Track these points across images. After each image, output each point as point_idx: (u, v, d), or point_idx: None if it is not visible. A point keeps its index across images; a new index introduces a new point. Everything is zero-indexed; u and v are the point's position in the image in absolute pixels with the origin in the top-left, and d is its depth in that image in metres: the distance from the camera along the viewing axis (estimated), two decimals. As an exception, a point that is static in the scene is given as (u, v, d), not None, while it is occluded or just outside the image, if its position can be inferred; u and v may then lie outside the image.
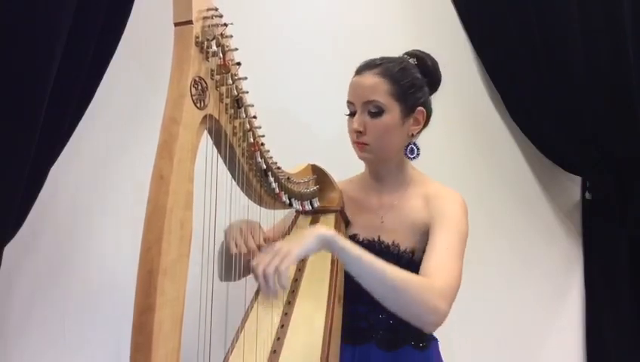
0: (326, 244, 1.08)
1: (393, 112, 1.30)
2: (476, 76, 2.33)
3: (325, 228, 1.10)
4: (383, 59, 1.34)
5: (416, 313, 1.11)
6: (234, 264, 1.19)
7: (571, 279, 2.52)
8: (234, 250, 1.22)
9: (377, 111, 1.29)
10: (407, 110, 1.32)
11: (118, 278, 1.57)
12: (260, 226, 1.27)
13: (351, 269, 1.11)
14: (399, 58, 1.37)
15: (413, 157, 1.36)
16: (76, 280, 1.56)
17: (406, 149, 1.36)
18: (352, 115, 1.34)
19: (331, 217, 1.43)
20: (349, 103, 1.35)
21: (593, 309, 2.50)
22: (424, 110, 1.35)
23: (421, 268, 1.19)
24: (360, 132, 1.31)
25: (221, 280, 1.29)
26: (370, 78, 1.30)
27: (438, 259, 1.19)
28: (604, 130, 2.29)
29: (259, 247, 1.21)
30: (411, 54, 1.39)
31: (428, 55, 1.40)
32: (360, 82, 1.32)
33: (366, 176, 1.46)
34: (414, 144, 1.36)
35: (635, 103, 2.26)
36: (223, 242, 1.30)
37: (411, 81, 1.32)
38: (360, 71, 1.34)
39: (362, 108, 1.31)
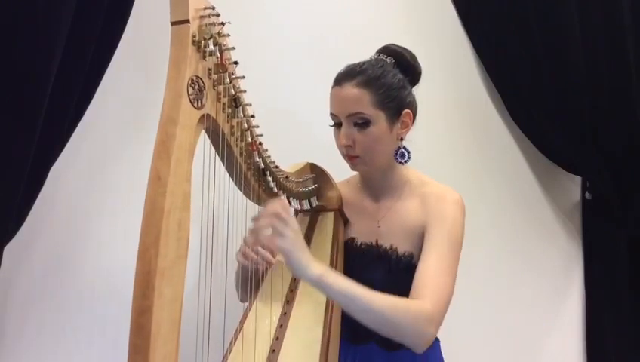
0: (311, 282, 1.08)
1: (380, 121, 1.26)
2: (476, 76, 2.32)
3: (316, 266, 1.08)
4: (361, 65, 1.29)
5: (405, 337, 1.14)
6: (250, 282, 1.24)
7: (571, 279, 2.52)
8: (242, 262, 1.26)
9: (364, 123, 1.25)
10: (393, 115, 1.29)
11: (117, 278, 1.57)
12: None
13: (338, 303, 1.13)
14: (378, 61, 1.32)
15: (404, 161, 1.33)
16: (76, 281, 1.56)
17: (396, 154, 1.33)
18: (336, 125, 1.32)
19: (330, 216, 1.43)
20: (333, 115, 1.31)
21: (593, 309, 2.50)
22: (410, 111, 1.32)
23: (413, 282, 1.20)
24: (349, 145, 1.28)
25: (242, 301, 1.32)
26: (351, 90, 1.26)
27: (430, 277, 1.19)
28: (604, 130, 2.28)
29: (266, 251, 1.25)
30: (388, 51, 1.35)
31: (404, 49, 1.36)
32: (341, 94, 1.27)
33: (360, 181, 1.45)
34: (404, 148, 1.33)
35: (635, 103, 2.26)
36: (238, 266, 1.34)
37: (393, 84, 1.28)
38: (339, 81, 1.29)
39: (347, 121, 1.27)
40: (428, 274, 1.20)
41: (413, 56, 1.36)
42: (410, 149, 1.33)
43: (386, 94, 1.27)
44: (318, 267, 1.08)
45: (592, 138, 2.29)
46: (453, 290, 1.21)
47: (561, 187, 2.52)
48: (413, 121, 1.35)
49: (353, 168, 1.35)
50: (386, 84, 1.27)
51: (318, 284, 1.07)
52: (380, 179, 1.39)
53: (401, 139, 1.33)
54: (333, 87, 1.31)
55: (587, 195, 2.55)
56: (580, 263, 2.54)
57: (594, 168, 2.35)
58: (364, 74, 1.27)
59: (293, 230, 1.07)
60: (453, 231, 1.27)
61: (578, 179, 2.55)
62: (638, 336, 2.43)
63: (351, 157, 1.31)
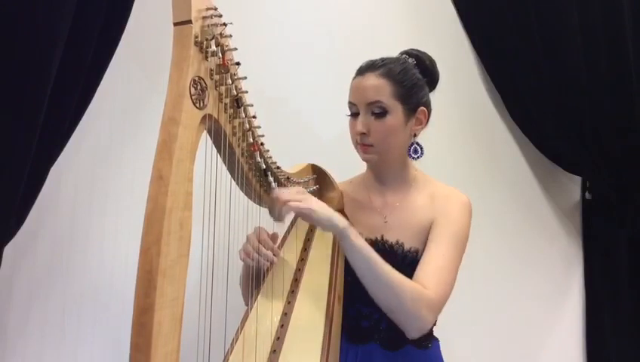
0: (337, 232, 1.18)
1: (397, 113, 1.30)
2: (476, 76, 2.33)
3: (341, 218, 1.18)
4: (384, 60, 1.33)
5: (403, 316, 1.18)
6: (252, 282, 1.26)
7: (571, 279, 2.52)
8: (247, 260, 1.27)
9: (381, 112, 1.29)
10: (410, 110, 1.32)
11: (117, 278, 1.57)
12: (263, 229, 1.30)
13: (351, 260, 1.18)
14: (400, 58, 1.36)
15: (418, 157, 1.36)
16: (76, 281, 1.56)
17: (410, 149, 1.36)
18: (353, 115, 1.34)
19: None
20: (351, 104, 1.34)
21: (593, 309, 2.50)
22: (426, 110, 1.36)
23: (416, 272, 1.24)
24: (364, 133, 1.31)
25: (246, 304, 1.31)
26: (373, 79, 1.30)
27: (433, 268, 1.23)
28: (604, 129, 2.29)
29: (265, 244, 1.28)
30: (409, 54, 1.39)
31: (425, 54, 1.40)
32: (362, 83, 1.31)
33: (368, 176, 1.46)
34: (417, 143, 1.36)
35: (635, 103, 2.26)
36: (243, 271, 1.36)
37: (413, 81, 1.33)
38: (362, 72, 1.33)
39: (365, 109, 1.30)
40: (431, 265, 1.24)
41: (433, 62, 1.41)
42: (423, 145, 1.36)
43: (406, 88, 1.31)
44: (342, 220, 1.18)
45: (592, 138, 2.29)
46: (453, 286, 1.24)
47: (561, 187, 2.52)
48: (427, 122, 1.38)
49: (364, 157, 1.36)
50: (407, 78, 1.32)
51: (343, 234, 1.17)
52: (388, 173, 1.40)
53: (415, 135, 1.36)
54: (354, 78, 1.35)
55: (587, 195, 2.55)
56: (580, 263, 2.54)
57: (594, 168, 2.35)
58: (387, 66, 1.31)
59: (310, 195, 1.18)
60: (459, 231, 1.30)
61: (578, 179, 2.55)
62: (638, 336, 2.44)
63: (364, 146, 1.33)
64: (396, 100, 1.29)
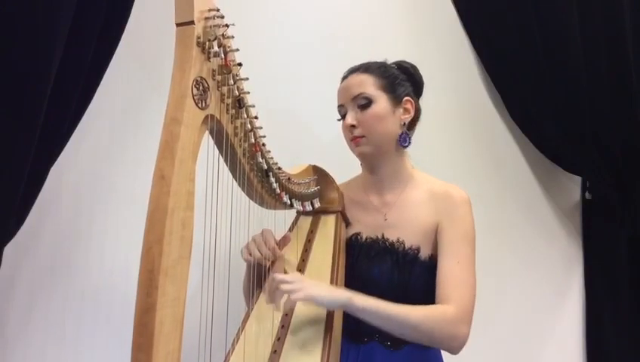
0: (342, 306, 1.18)
1: (381, 101, 1.34)
2: (476, 76, 2.33)
3: (341, 292, 1.18)
4: (363, 63, 1.40)
5: (438, 344, 1.24)
6: (252, 283, 1.27)
7: (571, 279, 2.53)
8: (248, 258, 1.29)
9: (366, 103, 1.33)
10: (395, 99, 1.36)
11: (118, 278, 1.57)
12: (271, 232, 1.32)
13: (371, 322, 1.18)
14: (379, 61, 1.42)
15: (406, 146, 1.37)
16: (76, 280, 1.55)
17: (399, 138, 1.37)
18: (343, 117, 1.38)
19: (332, 218, 1.43)
20: (340, 107, 1.39)
21: (593, 309, 2.50)
22: (412, 100, 1.38)
23: (437, 287, 1.27)
24: (354, 126, 1.34)
25: (247, 308, 1.32)
26: (355, 77, 1.37)
27: (452, 283, 1.26)
28: (604, 129, 2.29)
29: (273, 252, 1.30)
30: (390, 62, 1.44)
31: (404, 61, 1.45)
32: (346, 84, 1.38)
33: (365, 176, 1.46)
34: (406, 132, 1.38)
35: (635, 103, 2.27)
36: (246, 273, 1.37)
37: (394, 74, 1.38)
38: (344, 77, 1.41)
39: (352, 104, 1.35)
40: (449, 278, 1.27)
41: (415, 68, 1.45)
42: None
43: (389, 80, 1.36)
44: (343, 293, 1.17)
45: (592, 138, 2.29)
46: (475, 284, 1.28)
47: (561, 187, 2.53)
48: (417, 117, 1.41)
49: (357, 151, 1.37)
50: (388, 72, 1.38)
51: (349, 308, 1.16)
52: (384, 169, 1.41)
53: (405, 125, 1.38)
54: (340, 84, 1.40)
55: (587, 195, 2.56)
56: (580, 263, 2.55)
57: (594, 168, 2.36)
58: (367, 65, 1.39)
59: (299, 280, 1.15)
60: (467, 229, 1.33)
61: (578, 179, 2.55)
62: (638, 336, 2.44)
63: (356, 139, 1.35)
64: (379, 90, 1.34)
